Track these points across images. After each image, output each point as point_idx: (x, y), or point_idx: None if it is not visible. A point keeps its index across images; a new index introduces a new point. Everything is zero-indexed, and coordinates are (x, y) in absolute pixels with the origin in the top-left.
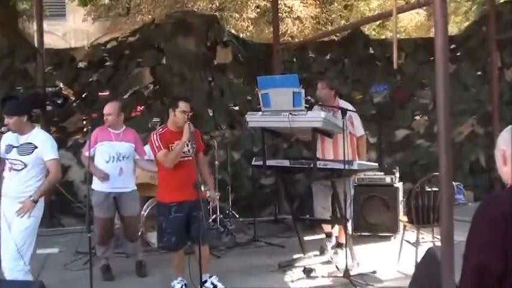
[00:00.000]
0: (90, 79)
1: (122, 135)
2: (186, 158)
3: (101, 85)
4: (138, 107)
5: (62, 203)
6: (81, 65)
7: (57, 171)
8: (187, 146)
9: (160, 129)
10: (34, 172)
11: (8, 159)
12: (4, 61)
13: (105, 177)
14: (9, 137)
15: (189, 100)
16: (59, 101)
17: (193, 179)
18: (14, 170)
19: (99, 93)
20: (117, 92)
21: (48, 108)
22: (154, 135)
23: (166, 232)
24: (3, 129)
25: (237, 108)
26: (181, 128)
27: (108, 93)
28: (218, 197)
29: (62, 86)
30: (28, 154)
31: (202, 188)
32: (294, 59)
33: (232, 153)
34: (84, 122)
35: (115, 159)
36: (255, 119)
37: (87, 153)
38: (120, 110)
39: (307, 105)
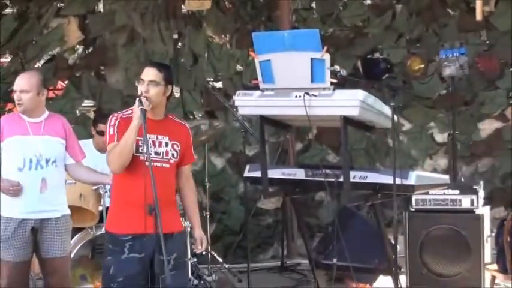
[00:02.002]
0: None
1: (45, 126)
2: (154, 164)
3: None
4: (59, 82)
5: None
6: None
7: None
8: (165, 145)
9: (128, 112)
10: None
11: None
12: None
13: (16, 191)
14: None
15: (158, 65)
16: None
17: (165, 198)
18: None
19: None
20: (24, 57)
21: None
22: (113, 118)
23: (116, 281)
24: None
25: (219, 84)
26: (157, 112)
27: (9, 59)
28: (188, 230)
29: None
30: None
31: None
32: (313, 4)
33: (212, 158)
34: None
35: (34, 165)
36: (249, 103)
37: None
38: (41, 86)
39: (336, 81)
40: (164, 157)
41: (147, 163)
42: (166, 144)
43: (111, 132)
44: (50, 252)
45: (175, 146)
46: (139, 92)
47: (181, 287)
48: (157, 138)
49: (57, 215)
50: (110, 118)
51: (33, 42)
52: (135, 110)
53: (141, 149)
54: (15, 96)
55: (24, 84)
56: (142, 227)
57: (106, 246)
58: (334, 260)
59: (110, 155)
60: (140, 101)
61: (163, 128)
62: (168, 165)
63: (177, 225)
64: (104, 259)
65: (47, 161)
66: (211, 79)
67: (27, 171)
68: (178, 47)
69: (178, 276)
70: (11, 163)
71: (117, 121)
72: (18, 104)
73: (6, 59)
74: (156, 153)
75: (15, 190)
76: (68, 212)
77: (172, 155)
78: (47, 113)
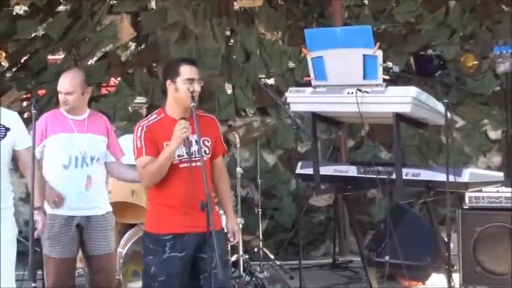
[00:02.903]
0: (34, 34)
1: (88, 124)
2: (187, 164)
3: (52, 44)
4: (112, 79)
5: None
6: (18, 10)
7: None
8: (196, 143)
9: (154, 117)
10: None
11: None
12: None
13: (58, 203)
14: None
15: (195, 62)
16: None
17: (201, 197)
18: None
19: (49, 57)
20: (77, 54)
21: None
22: (139, 129)
23: (158, 281)
24: None
25: (271, 81)
26: (186, 110)
27: (62, 56)
28: (241, 226)
29: None
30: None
31: (220, 212)
32: (365, 1)
33: (264, 154)
34: (25, 103)
35: (79, 163)
36: (301, 100)
37: None
38: (85, 84)
39: (388, 77)
40: (196, 156)
41: (180, 165)
42: (197, 142)
43: (139, 145)
44: (97, 249)
45: (205, 142)
46: (190, 90)
47: (224, 285)
48: (187, 138)
49: (101, 212)
50: (135, 128)
51: (86, 39)
52: (176, 133)
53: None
54: (61, 97)
55: (68, 85)
56: (184, 226)
57: (146, 246)
58: (387, 258)
59: (142, 171)
60: (193, 98)
61: (192, 126)
62: (198, 163)
63: (217, 224)
64: (145, 259)
65: (92, 158)
66: (263, 76)
67: (73, 168)
68: (231, 43)
69: (223, 273)
70: (56, 160)
71: (143, 132)
72: (64, 104)
73: (60, 56)
74: (188, 153)
75: (58, 202)
76: (111, 208)
77: (204, 151)
78: (88, 110)
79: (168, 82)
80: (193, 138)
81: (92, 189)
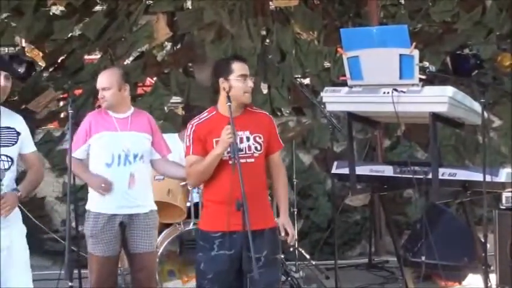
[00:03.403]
0: (70, 34)
1: (131, 122)
2: (241, 160)
3: (88, 43)
4: (148, 78)
5: (27, 234)
6: (55, 10)
7: None
8: (247, 140)
9: (205, 115)
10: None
11: None
12: None
13: (107, 188)
14: None
15: (245, 59)
16: (19, 69)
17: (250, 195)
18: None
19: (85, 57)
20: (114, 54)
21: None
22: (189, 127)
23: (206, 278)
24: None
25: (307, 81)
26: (238, 107)
27: (99, 56)
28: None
29: (24, 44)
30: (13, 144)
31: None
32: (401, 0)
33: (299, 154)
34: (62, 103)
35: (122, 161)
36: (337, 99)
37: (74, 154)
38: (122, 81)
39: (425, 77)
40: (247, 152)
41: (230, 162)
42: (248, 139)
43: (188, 144)
44: (139, 247)
45: (257, 139)
46: (246, 89)
47: (271, 285)
48: (237, 134)
49: (145, 210)
50: (188, 126)
51: (123, 39)
52: (223, 138)
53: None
54: (99, 94)
55: (104, 81)
56: (231, 224)
57: (197, 243)
58: (423, 258)
59: (189, 170)
60: (229, 98)
61: (243, 123)
62: (252, 160)
63: (268, 222)
64: (196, 255)
65: (135, 156)
66: (299, 75)
67: (115, 166)
68: (266, 43)
69: (268, 274)
70: (99, 159)
71: (192, 130)
72: (102, 101)
73: (96, 56)
74: (239, 149)
75: (106, 187)
76: (155, 207)
77: (256, 148)
78: (132, 108)
79: (221, 80)
80: (244, 134)
81: (135, 188)
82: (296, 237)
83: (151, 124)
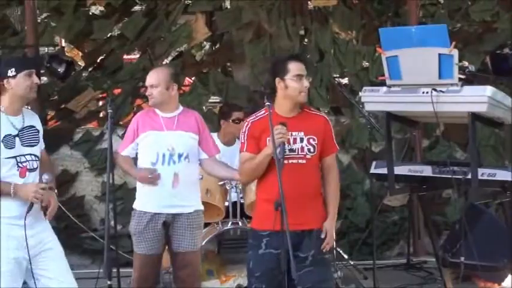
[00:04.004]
0: (110, 34)
1: (178, 121)
2: (287, 161)
3: (127, 43)
4: (187, 78)
5: (66, 232)
6: (94, 10)
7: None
8: (300, 141)
9: (262, 113)
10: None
11: (14, 157)
12: None
13: (155, 177)
14: None
15: (302, 59)
16: (59, 69)
17: (299, 195)
18: (29, 170)
19: (124, 57)
20: (153, 53)
21: (43, 79)
22: (245, 124)
23: (254, 276)
24: None
25: (345, 80)
26: (295, 107)
27: (138, 56)
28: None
29: (64, 44)
30: (37, 143)
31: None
32: None
33: (338, 154)
34: (101, 103)
35: (166, 160)
36: (375, 99)
37: (123, 152)
38: (171, 80)
39: (464, 76)
40: (299, 153)
41: (285, 161)
42: (301, 140)
43: (242, 140)
44: (181, 246)
45: (311, 141)
46: (302, 89)
47: (319, 284)
48: (291, 135)
49: (189, 210)
50: (244, 123)
51: (161, 38)
52: (272, 140)
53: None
54: (147, 91)
55: (153, 79)
56: (279, 224)
57: (248, 241)
58: (462, 259)
59: (242, 167)
60: (268, 98)
61: (298, 124)
62: (304, 161)
63: (318, 222)
64: (246, 253)
65: (180, 156)
66: (338, 75)
67: (160, 166)
68: (305, 43)
69: (316, 273)
70: (145, 158)
71: (247, 127)
72: (149, 98)
73: (135, 55)
74: (291, 150)
75: (153, 178)
76: (201, 207)
77: (308, 149)
78: (181, 108)
79: (277, 80)
80: (298, 135)
81: (179, 187)
82: (335, 237)
83: (198, 123)
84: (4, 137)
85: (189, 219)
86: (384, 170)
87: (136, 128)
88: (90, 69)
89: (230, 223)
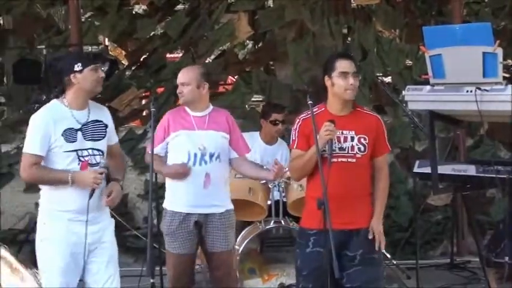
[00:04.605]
0: (153, 32)
1: (209, 121)
2: (336, 159)
3: (170, 42)
4: (229, 77)
5: None
6: (137, 9)
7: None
8: (351, 140)
9: (314, 110)
10: None
11: (75, 150)
12: (18, 3)
13: (185, 171)
14: (61, 117)
15: (351, 56)
16: (103, 68)
17: (348, 194)
18: (92, 164)
19: (167, 55)
20: (195, 52)
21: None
22: (296, 121)
23: (302, 275)
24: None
25: (388, 79)
26: (346, 105)
27: (181, 54)
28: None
29: (107, 43)
30: (103, 137)
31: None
32: None
33: None
34: (144, 101)
35: (198, 160)
36: (419, 98)
37: (154, 151)
38: (202, 79)
39: (509, 75)
40: (349, 152)
41: (332, 159)
42: (352, 139)
43: (293, 137)
44: (215, 246)
45: (362, 140)
46: (349, 86)
47: (368, 283)
48: (342, 133)
49: (221, 210)
50: (295, 120)
51: (204, 37)
52: (320, 134)
53: (325, 147)
54: (178, 89)
55: (183, 77)
56: (324, 222)
57: (296, 239)
58: (506, 258)
59: (292, 164)
60: (310, 96)
61: (350, 123)
62: (354, 160)
63: (366, 221)
64: (292, 252)
65: (211, 155)
66: (381, 74)
67: (191, 166)
68: (348, 41)
69: (364, 272)
70: (176, 157)
71: (298, 124)
72: (180, 96)
73: (178, 54)
74: (341, 148)
75: (184, 171)
76: (231, 207)
77: (359, 149)
78: (211, 107)
79: (326, 78)
80: (348, 134)
81: (210, 187)
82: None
83: (229, 123)
84: (65, 131)
85: (222, 219)
86: (427, 169)
87: (167, 127)
88: (133, 68)
89: (272, 222)
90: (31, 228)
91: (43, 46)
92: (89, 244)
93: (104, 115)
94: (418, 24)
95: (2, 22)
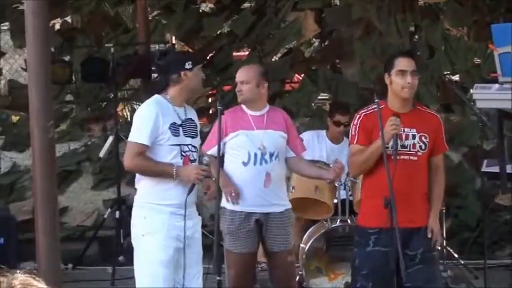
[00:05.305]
0: (219, 31)
1: (267, 120)
2: (401, 157)
3: (236, 40)
4: (296, 75)
5: None
6: (204, 8)
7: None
8: (413, 138)
9: (374, 106)
10: None
11: (179, 145)
12: (86, 2)
13: (234, 199)
14: (167, 111)
15: (411, 54)
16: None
17: (411, 192)
18: (191, 161)
19: (234, 53)
20: (262, 50)
21: (154, 76)
22: (357, 116)
23: (360, 274)
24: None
25: (456, 77)
26: (406, 103)
27: (247, 52)
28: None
29: (174, 41)
30: (196, 135)
31: None
32: None
33: (448, 152)
34: (210, 100)
35: (258, 160)
36: (487, 96)
37: (210, 151)
38: (261, 77)
39: None
40: (411, 150)
41: (393, 157)
42: (414, 137)
43: (353, 133)
44: (276, 245)
45: (423, 138)
46: (404, 84)
47: (429, 282)
48: (403, 131)
49: (280, 209)
50: (355, 115)
51: (271, 35)
52: (386, 129)
53: (387, 144)
54: (237, 87)
55: (243, 75)
56: (387, 221)
57: (354, 238)
58: None
59: (352, 159)
60: (377, 95)
61: (411, 121)
62: (415, 158)
63: (425, 220)
64: (352, 250)
65: (271, 155)
66: (448, 72)
67: (252, 165)
68: (415, 39)
69: (425, 271)
70: (236, 157)
71: (359, 120)
72: (239, 94)
73: (245, 52)
74: (403, 146)
75: (233, 198)
76: (289, 205)
77: (420, 147)
78: (268, 106)
79: (386, 76)
80: (410, 132)
81: (271, 186)
82: (444, 235)
83: (286, 122)
84: (171, 124)
85: (282, 217)
86: (495, 169)
87: (225, 127)
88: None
89: (339, 220)
90: (99, 224)
91: (111, 44)
92: (186, 238)
93: (194, 115)
94: (487, 22)
95: (70, 21)
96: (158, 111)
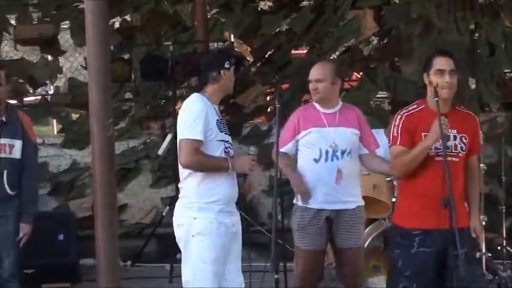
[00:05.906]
0: (278, 29)
1: (339, 117)
2: (443, 158)
3: (295, 38)
4: (354, 73)
5: None
6: (263, 6)
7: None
8: (454, 139)
9: (414, 107)
10: None
11: (223, 141)
12: (146, 1)
13: (304, 199)
14: (210, 108)
15: (449, 54)
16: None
17: (455, 195)
18: (231, 157)
19: (292, 51)
20: (320, 48)
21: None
22: (398, 117)
23: (404, 275)
24: None
25: None
26: (445, 104)
27: (306, 51)
28: (484, 224)
29: (233, 39)
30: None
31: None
32: None
33: (507, 150)
34: (268, 98)
35: (330, 157)
36: None
37: (284, 149)
38: (335, 75)
39: None
40: (453, 151)
41: (436, 158)
42: (455, 138)
43: (395, 133)
44: (346, 242)
45: (463, 139)
46: (442, 83)
47: (473, 282)
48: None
49: (352, 206)
50: (395, 116)
51: (329, 33)
52: (434, 129)
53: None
54: (311, 85)
55: (318, 73)
56: (435, 222)
57: (394, 239)
58: None
59: (395, 160)
60: (436, 93)
61: (451, 121)
62: (457, 159)
63: (467, 220)
64: (391, 252)
65: (343, 152)
66: (509, 70)
67: (323, 162)
68: (475, 37)
69: (469, 271)
70: (307, 154)
71: (401, 120)
72: (314, 93)
73: (303, 50)
74: (446, 147)
75: (304, 198)
76: (362, 203)
77: (461, 148)
78: (340, 103)
79: (425, 75)
80: (451, 133)
81: (342, 183)
82: (504, 235)
83: (359, 119)
84: (216, 121)
85: (353, 215)
86: None
87: (297, 124)
88: (258, 64)
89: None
90: (158, 222)
91: (170, 43)
92: (231, 234)
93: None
94: None
95: (130, 19)
96: (206, 107)
